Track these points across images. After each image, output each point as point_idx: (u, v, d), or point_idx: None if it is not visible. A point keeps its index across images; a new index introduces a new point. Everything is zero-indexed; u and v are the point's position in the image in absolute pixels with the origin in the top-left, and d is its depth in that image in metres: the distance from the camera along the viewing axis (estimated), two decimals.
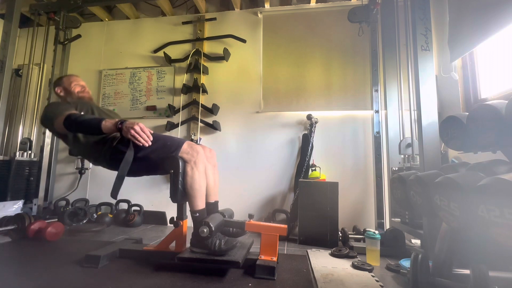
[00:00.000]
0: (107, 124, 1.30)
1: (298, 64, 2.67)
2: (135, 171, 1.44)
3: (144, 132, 1.30)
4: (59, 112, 1.44)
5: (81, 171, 2.73)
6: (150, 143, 1.32)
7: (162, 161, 1.40)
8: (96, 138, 1.47)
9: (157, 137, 1.44)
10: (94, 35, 3.09)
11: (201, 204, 1.39)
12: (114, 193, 1.33)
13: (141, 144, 1.30)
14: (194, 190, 1.37)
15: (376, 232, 1.55)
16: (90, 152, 1.51)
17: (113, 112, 1.82)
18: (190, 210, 1.39)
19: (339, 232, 1.91)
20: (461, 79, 2.15)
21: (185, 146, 1.40)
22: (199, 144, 1.67)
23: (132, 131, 1.28)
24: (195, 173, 1.38)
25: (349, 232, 1.92)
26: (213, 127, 2.60)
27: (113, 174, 1.52)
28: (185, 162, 1.40)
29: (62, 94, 1.70)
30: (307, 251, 1.66)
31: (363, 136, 2.46)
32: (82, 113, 1.51)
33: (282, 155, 2.57)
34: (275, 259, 1.36)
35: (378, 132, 2.23)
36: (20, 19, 2.50)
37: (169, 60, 2.79)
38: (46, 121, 1.49)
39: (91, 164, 2.81)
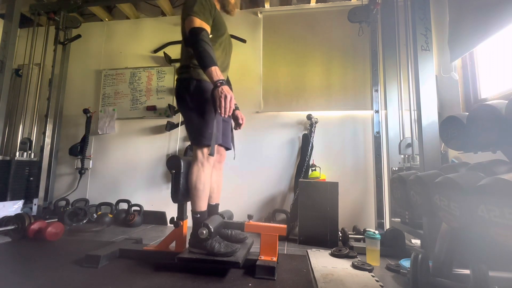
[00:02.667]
0: (213, 72, 1.26)
1: (298, 64, 2.67)
2: (191, 116, 1.39)
3: (230, 104, 1.25)
4: (201, 13, 1.34)
5: (81, 171, 2.73)
6: (226, 116, 1.27)
7: (190, 128, 1.39)
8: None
9: (206, 113, 1.37)
10: (94, 35, 3.09)
11: (203, 206, 1.38)
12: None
13: (219, 111, 1.26)
14: (198, 191, 1.36)
15: (376, 232, 1.55)
16: (186, 56, 1.45)
17: (231, 47, 1.68)
18: (192, 211, 1.39)
19: (339, 232, 1.91)
20: (461, 79, 2.14)
21: (206, 149, 1.37)
22: (229, 149, 1.63)
23: (223, 98, 1.23)
24: (201, 174, 1.37)
25: (349, 232, 1.92)
26: None
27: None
28: (194, 158, 1.38)
29: None
30: (307, 251, 1.66)
31: (363, 136, 2.46)
32: (211, 35, 1.39)
33: (282, 155, 2.57)
34: (275, 259, 1.36)
35: (378, 132, 2.23)
36: (20, 19, 2.49)
37: (169, 60, 2.79)
38: (187, 7, 1.37)
39: (91, 164, 2.82)
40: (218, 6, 1.55)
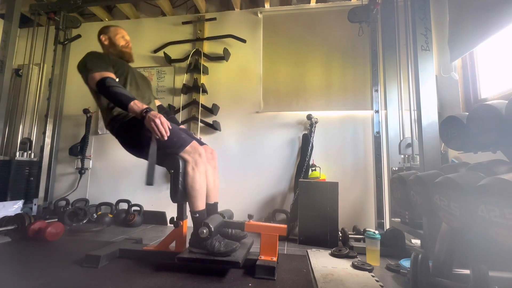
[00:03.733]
0: (134, 107, 1.32)
1: (298, 64, 2.67)
2: (140, 153, 1.47)
3: (163, 126, 1.30)
4: (98, 67, 1.43)
5: (81, 171, 2.73)
6: (166, 138, 1.32)
7: (164, 155, 1.39)
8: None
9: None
10: (94, 35, 3.08)
11: (201, 205, 1.39)
12: (149, 180, 1.32)
13: (157, 137, 1.31)
14: (195, 191, 1.38)
15: (376, 232, 1.55)
16: (105, 114, 1.51)
17: (146, 80, 1.76)
18: (190, 211, 1.39)
19: (339, 232, 1.91)
20: (461, 79, 2.14)
21: (189, 147, 1.40)
22: (203, 143, 1.66)
23: (153, 123, 1.29)
24: (196, 174, 1.39)
25: (349, 232, 1.92)
26: (213, 127, 2.60)
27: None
28: (185, 162, 1.40)
29: (106, 43, 1.67)
30: (307, 251, 1.66)
31: (363, 136, 2.46)
32: (117, 80, 1.48)
33: (282, 155, 2.57)
34: (275, 259, 1.36)
35: (378, 132, 2.23)
36: (20, 19, 2.49)
37: (169, 60, 2.79)
38: (83, 69, 1.46)
39: (91, 164, 2.82)
40: (112, 57, 1.63)
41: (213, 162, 1.62)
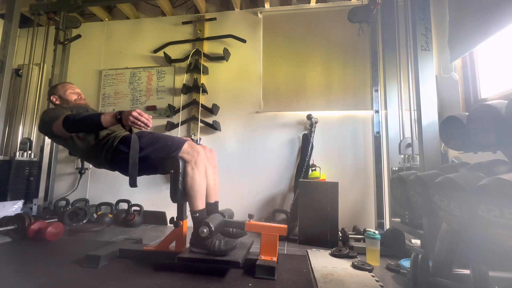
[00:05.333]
0: (106, 117, 1.33)
1: (298, 64, 2.67)
2: (146, 169, 1.47)
3: (142, 116, 1.31)
4: (56, 115, 1.44)
5: (81, 171, 2.74)
6: (151, 125, 1.33)
7: (162, 161, 1.40)
8: (95, 140, 1.47)
9: (158, 136, 1.44)
10: (94, 35, 3.09)
11: (201, 205, 1.39)
12: (132, 181, 1.34)
13: (142, 129, 1.32)
14: (194, 191, 1.38)
15: (376, 232, 1.55)
16: (91, 156, 1.50)
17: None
18: (190, 211, 1.40)
19: (339, 232, 1.91)
20: (461, 79, 2.14)
21: (186, 146, 1.40)
22: (199, 144, 1.67)
23: (131, 117, 1.29)
24: (195, 174, 1.39)
25: (349, 232, 1.92)
26: (213, 127, 2.60)
27: (114, 173, 1.53)
28: (185, 162, 1.40)
29: (57, 102, 1.69)
30: (307, 251, 1.66)
31: (363, 136, 2.46)
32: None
33: (282, 155, 2.57)
34: (275, 259, 1.36)
35: (378, 132, 2.23)
36: (20, 19, 2.49)
37: (169, 60, 2.79)
38: (44, 126, 1.47)
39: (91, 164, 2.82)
40: (69, 104, 1.67)
41: (213, 161, 1.62)
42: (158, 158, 1.40)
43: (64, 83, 1.75)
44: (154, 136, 1.46)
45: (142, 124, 1.30)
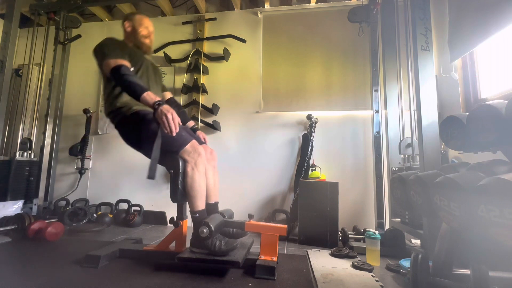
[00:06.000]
0: (147, 98, 1.29)
1: (298, 64, 2.67)
2: (139, 147, 1.49)
3: (174, 122, 1.28)
4: (114, 54, 1.42)
5: (81, 171, 2.73)
6: (174, 134, 1.29)
7: (164, 153, 1.38)
8: (119, 97, 1.47)
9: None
10: (94, 35, 3.08)
11: (201, 205, 1.39)
12: (151, 174, 1.31)
13: (166, 131, 1.29)
14: (194, 191, 1.38)
15: (376, 232, 1.55)
16: (111, 101, 1.49)
17: (158, 73, 1.75)
18: (190, 211, 1.39)
19: (339, 232, 1.91)
20: (461, 79, 2.14)
21: (188, 146, 1.40)
22: (204, 143, 1.66)
23: (164, 117, 1.26)
24: (195, 174, 1.38)
25: (349, 232, 1.92)
26: (213, 127, 2.60)
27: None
28: (185, 162, 1.40)
29: (128, 29, 1.65)
30: (307, 251, 1.66)
31: (363, 136, 2.46)
32: (132, 69, 1.46)
33: (282, 155, 2.57)
34: (275, 259, 1.36)
35: (378, 132, 2.23)
36: (20, 19, 2.49)
37: (169, 60, 2.79)
38: (99, 54, 1.46)
39: (91, 164, 2.82)
40: (130, 45, 1.64)
41: (213, 162, 1.62)
42: (161, 148, 1.38)
43: (143, 16, 1.71)
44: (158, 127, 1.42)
45: (168, 129, 1.28)
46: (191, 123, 1.77)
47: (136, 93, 1.31)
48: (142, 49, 1.67)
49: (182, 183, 1.40)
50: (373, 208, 2.27)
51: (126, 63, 1.42)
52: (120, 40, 1.62)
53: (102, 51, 1.45)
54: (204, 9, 2.88)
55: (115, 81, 1.41)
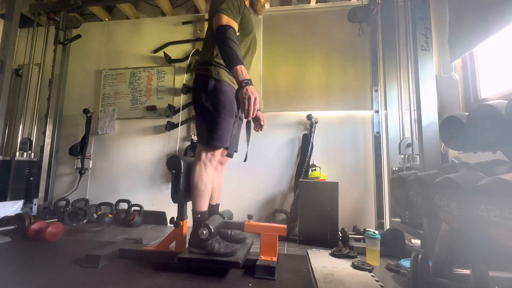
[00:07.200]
0: (239, 71, 1.21)
1: (298, 64, 2.67)
2: (203, 114, 1.39)
3: (254, 106, 1.19)
4: (230, 11, 1.32)
5: (81, 171, 2.73)
6: (250, 118, 1.22)
7: (200, 126, 1.38)
8: (217, 59, 1.40)
9: (221, 115, 1.36)
10: (94, 35, 3.09)
11: (204, 206, 1.38)
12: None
13: (243, 112, 1.21)
14: (200, 191, 1.36)
15: (376, 232, 1.55)
16: (209, 59, 1.41)
17: (255, 49, 1.61)
18: (192, 210, 1.38)
19: (339, 232, 1.91)
20: (461, 79, 2.14)
21: (212, 150, 1.37)
22: (232, 155, 1.58)
23: (246, 98, 1.18)
24: (204, 174, 1.36)
25: (349, 232, 1.92)
26: None
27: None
28: (198, 158, 1.38)
29: None
30: (307, 251, 1.66)
31: (363, 136, 2.46)
32: (238, 33, 1.36)
33: (282, 155, 2.57)
34: (275, 259, 1.36)
35: (378, 132, 2.23)
36: (20, 19, 2.49)
37: (169, 60, 2.79)
38: (216, 5, 1.34)
39: (91, 164, 2.82)
40: (247, 3, 1.53)
41: (222, 166, 1.62)
42: (203, 123, 1.36)
43: None
44: (220, 111, 1.36)
45: (245, 111, 1.20)
46: (259, 114, 1.69)
47: (231, 62, 1.22)
48: (257, 6, 1.57)
49: (184, 182, 1.40)
50: (373, 208, 2.27)
51: (235, 26, 1.33)
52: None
53: (219, 2, 1.33)
54: (204, 9, 2.88)
55: (216, 40, 1.30)
